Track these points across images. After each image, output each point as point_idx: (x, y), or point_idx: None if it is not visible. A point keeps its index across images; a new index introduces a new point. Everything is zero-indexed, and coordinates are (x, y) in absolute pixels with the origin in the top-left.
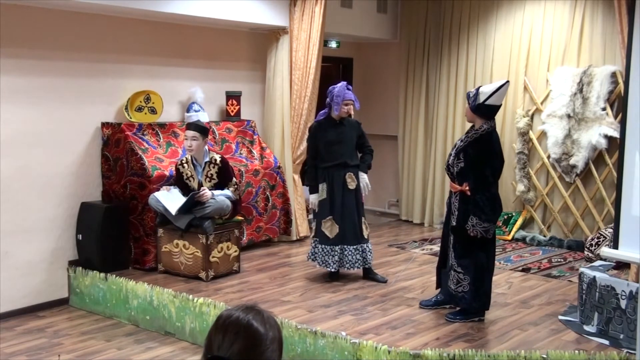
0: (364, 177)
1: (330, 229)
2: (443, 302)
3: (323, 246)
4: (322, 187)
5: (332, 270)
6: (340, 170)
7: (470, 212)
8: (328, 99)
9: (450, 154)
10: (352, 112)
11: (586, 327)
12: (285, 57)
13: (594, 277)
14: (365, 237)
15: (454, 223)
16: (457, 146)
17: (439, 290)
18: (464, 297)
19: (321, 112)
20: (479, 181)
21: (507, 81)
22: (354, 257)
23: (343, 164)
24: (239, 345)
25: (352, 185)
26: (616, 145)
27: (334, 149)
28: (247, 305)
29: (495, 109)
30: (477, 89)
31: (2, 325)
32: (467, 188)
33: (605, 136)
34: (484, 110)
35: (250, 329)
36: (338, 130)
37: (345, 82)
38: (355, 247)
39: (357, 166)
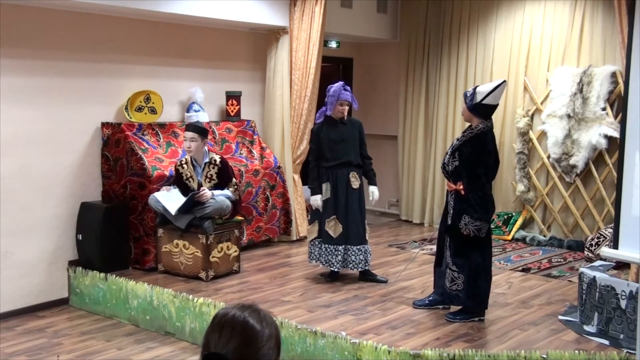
0: (376, 192)
1: (334, 228)
2: (437, 302)
3: (327, 246)
4: (326, 186)
5: (335, 270)
6: (344, 169)
7: (463, 211)
8: (326, 98)
9: (447, 153)
10: (345, 114)
11: (586, 327)
12: (285, 57)
13: (594, 277)
14: (367, 238)
15: (449, 222)
16: (453, 145)
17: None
18: (458, 295)
19: (320, 109)
20: (472, 180)
21: (504, 81)
22: (357, 257)
23: (347, 163)
24: (235, 343)
25: (355, 184)
26: (616, 145)
27: (338, 148)
28: (243, 304)
29: (492, 108)
30: (474, 89)
31: (2, 325)
32: (461, 187)
33: (605, 136)
34: (481, 110)
35: (246, 326)
36: (340, 130)
37: (342, 82)
38: (358, 247)
39: (361, 166)
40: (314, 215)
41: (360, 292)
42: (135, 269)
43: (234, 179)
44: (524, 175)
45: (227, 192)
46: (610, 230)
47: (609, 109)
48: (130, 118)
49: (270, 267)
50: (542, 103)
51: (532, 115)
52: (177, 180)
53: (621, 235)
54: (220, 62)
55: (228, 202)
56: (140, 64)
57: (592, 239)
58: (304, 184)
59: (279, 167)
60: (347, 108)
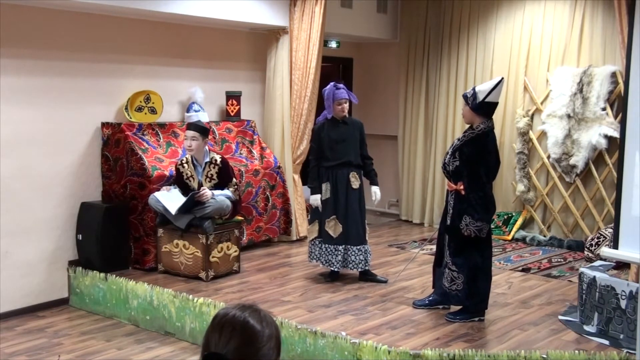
0: (378, 192)
1: (334, 228)
2: (437, 302)
3: (327, 246)
4: (326, 186)
5: (335, 269)
6: (344, 169)
7: (463, 211)
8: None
9: (447, 153)
10: (346, 111)
11: (586, 327)
12: (285, 57)
13: (594, 277)
14: (367, 238)
15: (449, 222)
16: (453, 145)
17: (433, 290)
18: (457, 295)
19: (322, 113)
20: (473, 180)
21: (502, 78)
22: (357, 257)
23: (347, 163)
24: (235, 343)
25: (355, 184)
26: (616, 145)
27: (338, 148)
28: (243, 304)
29: (494, 106)
30: (473, 89)
31: (2, 325)
32: (462, 187)
33: (605, 136)
34: (485, 109)
35: (246, 326)
36: (341, 130)
37: (333, 83)
38: (358, 247)
39: (361, 166)
40: (314, 215)
41: (360, 292)
42: (135, 269)
43: (234, 179)
44: (524, 175)
45: (227, 192)
46: (610, 230)
47: (609, 109)
48: (130, 118)
49: (270, 267)
50: (542, 103)
51: (532, 115)
52: (178, 180)
53: (621, 235)
54: (220, 62)
55: (228, 202)
56: (140, 64)
57: (592, 239)
58: (304, 184)
59: (279, 167)
60: (346, 105)
